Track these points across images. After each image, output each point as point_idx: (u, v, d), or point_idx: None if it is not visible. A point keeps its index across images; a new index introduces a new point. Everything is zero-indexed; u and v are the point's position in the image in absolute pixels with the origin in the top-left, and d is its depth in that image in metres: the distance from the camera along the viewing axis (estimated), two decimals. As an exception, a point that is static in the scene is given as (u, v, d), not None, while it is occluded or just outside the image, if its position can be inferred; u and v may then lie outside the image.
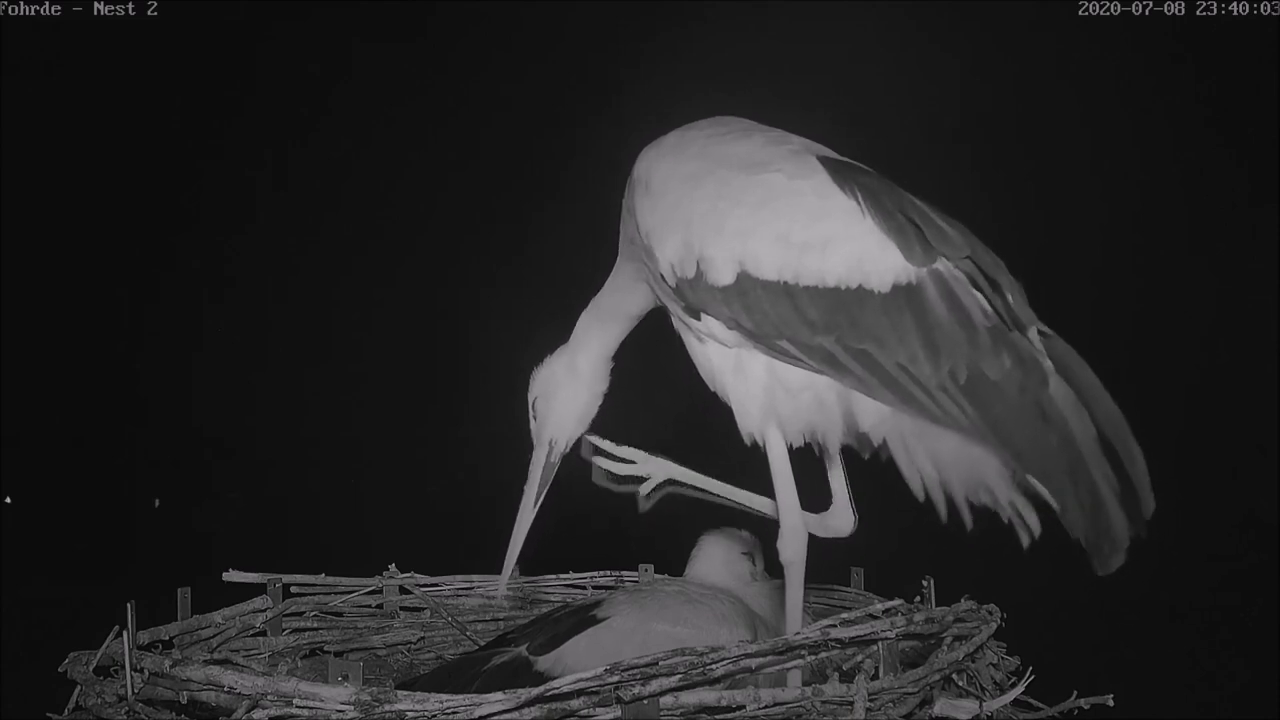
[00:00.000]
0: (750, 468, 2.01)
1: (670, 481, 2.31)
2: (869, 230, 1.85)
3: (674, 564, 2.65)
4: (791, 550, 1.96)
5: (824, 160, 1.93)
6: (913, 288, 1.83)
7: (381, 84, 5.13)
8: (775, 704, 1.70)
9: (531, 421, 2.30)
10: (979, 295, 1.85)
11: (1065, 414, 1.83)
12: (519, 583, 2.81)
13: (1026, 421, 1.81)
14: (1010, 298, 1.85)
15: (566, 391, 2.25)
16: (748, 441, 1.98)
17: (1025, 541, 1.95)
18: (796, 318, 1.85)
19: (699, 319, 1.94)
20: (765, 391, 1.94)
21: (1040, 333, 1.88)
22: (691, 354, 2.04)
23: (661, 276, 1.95)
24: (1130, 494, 1.84)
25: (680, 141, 2.02)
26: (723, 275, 1.88)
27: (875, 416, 1.92)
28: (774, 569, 2.14)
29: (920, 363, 1.81)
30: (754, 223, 1.87)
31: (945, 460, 1.92)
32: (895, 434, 1.94)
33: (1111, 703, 1.83)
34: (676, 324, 2.05)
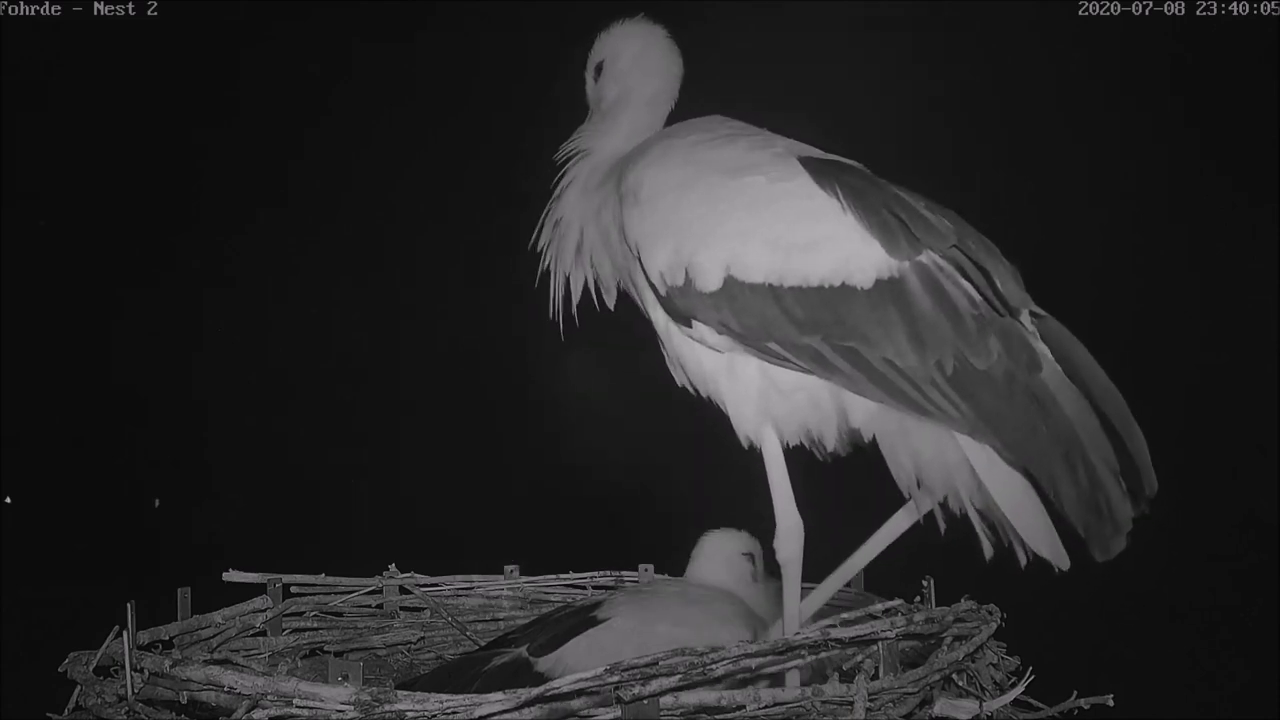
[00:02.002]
0: (752, 468, 2.01)
1: None
2: (851, 227, 1.87)
3: (674, 564, 2.65)
4: (788, 550, 1.97)
5: (806, 160, 1.95)
6: (895, 281, 1.84)
7: (382, 84, 5.13)
8: (775, 704, 1.70)
9: (590, 83, 2.26)
10: (966, 284, 1.86)
11: (1059, 397, 1.83)
12: (519, 582, 2.81)
13: (1018, 409, 1.82)
14: (999, 283, 1.86)
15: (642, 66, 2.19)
16: (744, 444, 1.99)
17: (988, 554, 1.97)
18: (784, 318, 1.86)
19: (690, 325, 1.95)
20: (760, 394, 1.96)
21: (1033, 314, 1.89)
22: (680, 360, 2.05)
23: (651, 285, 1.96)
24: (1131, 472, 1.85)
25: (666, 150, 2.02)
26: (711, 281, 1.89)
27: (865, 414, 1.95)
28: (775, 569, 2.14)
29: (906, 356, 1.82)
30: (739, 228, 1.89)
31: (923, 461, 1.94)
32: (884, 432, 1.95)
33: (1111, 703, 1.83)
34: (660, 333, 2.06)
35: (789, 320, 1.86)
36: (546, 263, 2.18)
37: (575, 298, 2.16)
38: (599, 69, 2.24)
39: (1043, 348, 1.86)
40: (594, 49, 2.25)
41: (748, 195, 1.91)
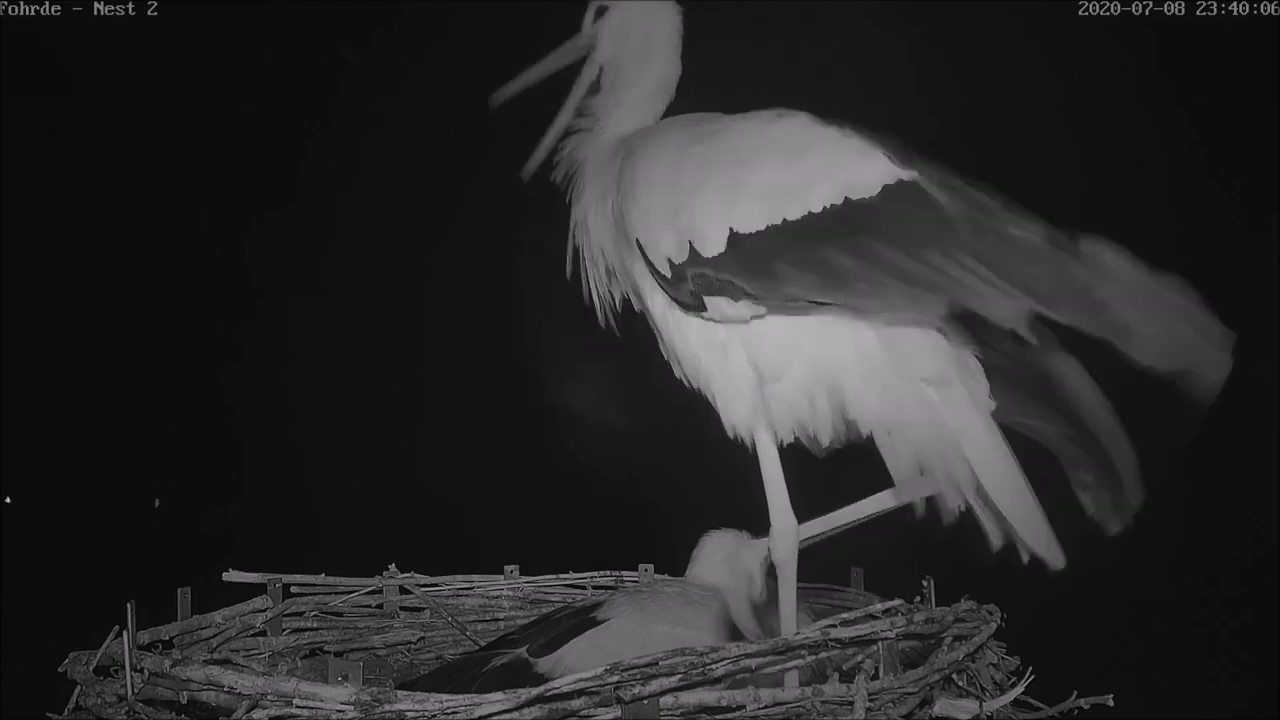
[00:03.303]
0: (753, 469, 2.01)
1: None
2: (852, 148, 1.81)
3: (674, 564, 2.65)
4: (782, 550, 1.95)
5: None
6: (905, 184, 1.76)
7: (395, 81, 5.12)
8: (775, 704, 1.70)
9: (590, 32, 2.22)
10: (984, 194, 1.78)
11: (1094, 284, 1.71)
12: (519, 582, 2.81)
13: (1056, 272, 1.69)
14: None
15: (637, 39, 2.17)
16: (731, 436, 1.96)
17: (995, 544, 1.97)
18: (792, 238, 1.78)
19: (704, 307, 1.89)
20: (752, 389, 1.93)
21: None
22: (675, 353, 2.02)
23: (657, 273, 1.93)
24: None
25: (655, 139, 2.00)
26: (715, 243, 1.83)
27: (863, 406, 1.93)
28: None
29: (931, 247, 1.70)
30: (733, 181, 1.84)
31: (920, 454, 1.93)
32: (881, 425, 1.94)
33: (1111, 703, 1.83)
34: (657, 322, 2.03)
35: (797, 237, 1.77)
36: (588, 274, 2.15)
37: (615, 300, 2.13)
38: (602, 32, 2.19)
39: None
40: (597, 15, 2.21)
41: (744, 142, 1.87)
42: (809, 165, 1.81)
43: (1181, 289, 1.72)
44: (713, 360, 1.96)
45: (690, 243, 1.85)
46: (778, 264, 1.78)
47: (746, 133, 1.90)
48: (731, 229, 1.82)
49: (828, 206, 1.77)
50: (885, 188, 1.76)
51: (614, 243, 2.05)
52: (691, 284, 1.87)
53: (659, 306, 2.00)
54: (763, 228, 1.80)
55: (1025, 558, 1.93)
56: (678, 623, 2.22)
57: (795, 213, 1.79)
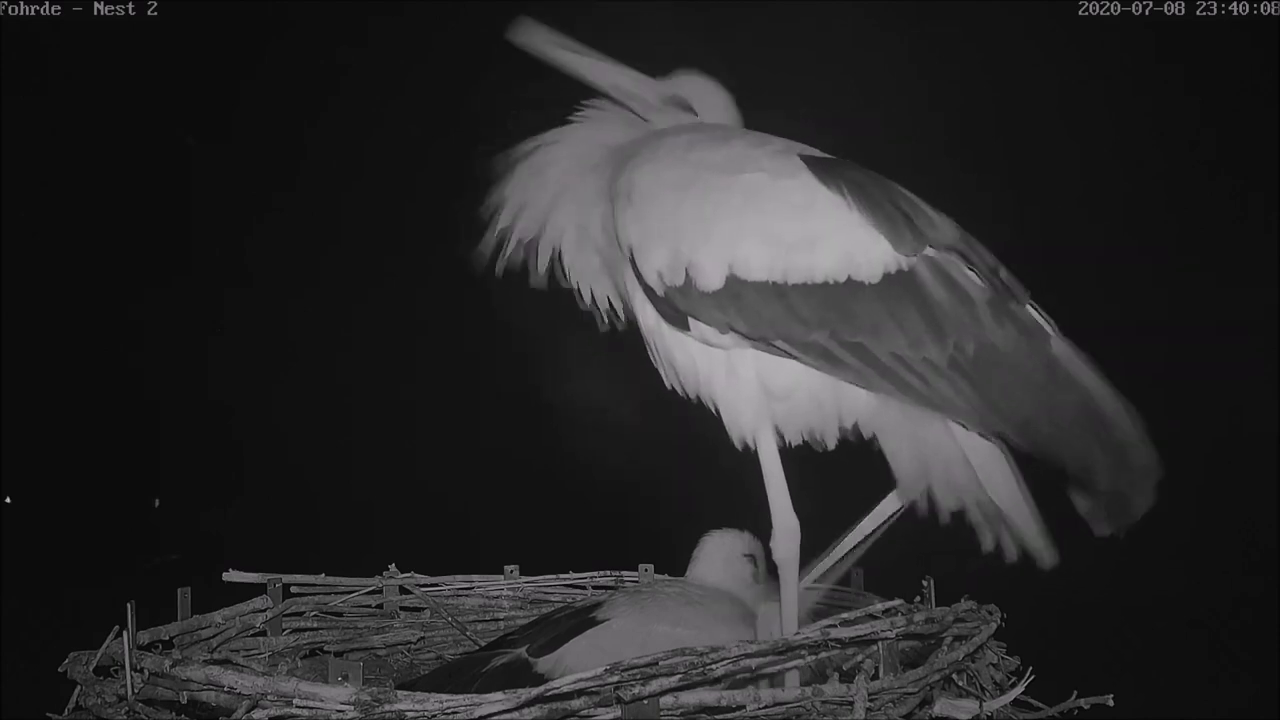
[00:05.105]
0: (753, 469, 2.01)
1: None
2: (856, 223, 1.85)
3: (674, 564, 2.64)
4: (784, 550, 1.96)
5: (807, 159, 1.93)
6: (904, 274, 1.84)
7: (393, 81, 5.11)
8: (775, 704, 1.70)
9: (654, 86, 2.20)
10: (973, 274, 1.86)
11: (1073, 371, 1.84)
12: (519, 582, 2.81)
13: (1035, 387, 1.82)
14: (1003, 273, 1.87)
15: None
16: (738, 445, 1.97)
17: (986, 547, 2.00)
18: (789, 316, 1.84)
19: (686, 327, 1.92)
20: (758, 394, 1.94)
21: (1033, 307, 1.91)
22: (670, 361, 2.01)
23: (649, 288, 1.93)
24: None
25: (657, 150, 1.98)
26: (713, 280, 1.86)
27: (867, 410, 1.94)
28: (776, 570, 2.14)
29: (925, 345, 1.81)
30: (740, 225, 1.86)
31: (923, 456, 1.94)
32: (884, 428, 1.95)
33: (1111, 703, 1.83)
34: (649, 333, 2.03)
35: (794, 318, 1.84)
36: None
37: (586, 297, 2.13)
38: (679, 99, 2.18)
39: (1053, 327, 1.88)
40: (691, 80, 2.20)
41: (748, 192, 1.88)
42: (820, 227, 1.85)
43: (1134, 414, 1.85)
44: (715, 371, 1.96)
45: (686, 270, 1.87)
46: (774, 330, 1.85)
47: (757, 180, 1.89)
48: (731, 271, 1.85)
49: (830, 282, 1.83)
50: (887, 276, 1.83)
51: (603, 253, 2.04)
52: (680, 306, 1.90)
53: (650, 318, 2.00)
54: (763, 280, 1.85)
55: (1011, 557, 1.95)
56: (678, 623, 2.22)
57: (797, 277, 1.83)
